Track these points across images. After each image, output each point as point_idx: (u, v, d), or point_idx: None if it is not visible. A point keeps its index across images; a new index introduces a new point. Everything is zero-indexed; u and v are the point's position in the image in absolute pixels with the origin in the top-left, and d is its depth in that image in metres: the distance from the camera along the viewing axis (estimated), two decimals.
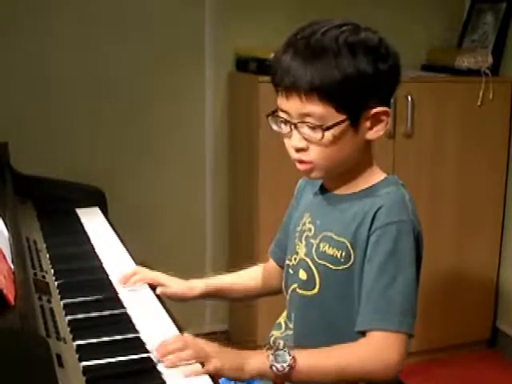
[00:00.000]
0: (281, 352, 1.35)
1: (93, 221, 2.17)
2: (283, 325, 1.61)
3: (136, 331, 1.42)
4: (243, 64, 3.04)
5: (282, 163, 2.84)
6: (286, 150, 2.92)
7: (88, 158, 2.95)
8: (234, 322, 3.30)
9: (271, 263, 1.77)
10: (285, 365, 1.34)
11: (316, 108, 1.37)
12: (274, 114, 1.47)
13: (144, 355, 1.32)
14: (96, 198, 2.30)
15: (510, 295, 3.24)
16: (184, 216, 3.18)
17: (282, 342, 1.38)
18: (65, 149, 2.92)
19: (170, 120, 3.08)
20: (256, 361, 1.35)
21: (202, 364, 1.30)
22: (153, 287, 1.67)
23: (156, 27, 2.98)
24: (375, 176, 1.50)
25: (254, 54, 2.94)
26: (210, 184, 3.20)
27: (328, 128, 1.38)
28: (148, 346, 1.35)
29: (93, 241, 1.98)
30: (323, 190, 1.56)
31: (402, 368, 1.38)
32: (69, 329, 1.40)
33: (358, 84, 1.37)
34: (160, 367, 1.27)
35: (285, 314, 1.63)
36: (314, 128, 1.39)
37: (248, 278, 1.78)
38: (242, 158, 3.08)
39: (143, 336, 1.40)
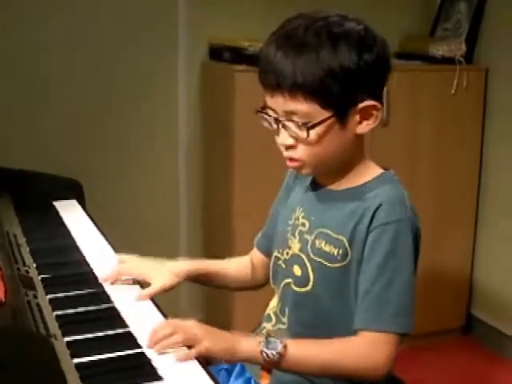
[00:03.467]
0: (272, 339, 1.35)
1: (72, 214, 2.12)
2: (273, 317, 1.59)
3: (126, 325, 1.39)
4: (217, 53, 3.01)
5: (259, 155, 2.85)
6: (264, 143, 2.91)
7: (61, 151, 2.91)
8: (209, 311, 3.27)
9: (256, 254, 1.74)
10: (275, 352, 1.34)
11: (300, 106, 1.35)
12: (262, 110, 1.44)
13: (137, 350, 1.29)
14: (73, 191, 2.26)
15: (484, 283, 3.27)
16: (157, 209, 3.14)
17: (275, 330, 1.40)
18: (41, 142, 2.87)
19: (143, 113, 3.04)
20: (247, 345, 1.36)
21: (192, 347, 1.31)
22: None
23: (128, 16, 2.94)
24: (371, 171, 1.48)
25: (229, 43, 2.91)
26: (184, 179, 3.17)
27: (313, 126, 1.36)
28: (140, 341, 1.33)
29: (73, 234, 1.95)
30: (315, 184, 1.54)
31: (392, 368, 1.40)
32: (58, 325, 1.37)
33: (341, 79, 1.34)
34: (155, 362, 1.25)
35: (274, 305, 1.61)
36: (299, 126, 1.37)
37: (237, 266, 1.75)
38: (217, 151, 3.05)
39: (133, 330, 1.37)
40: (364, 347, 1.38)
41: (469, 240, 3.27)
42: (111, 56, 2.94)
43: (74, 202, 2.24)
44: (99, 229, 2.01)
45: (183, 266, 1.65)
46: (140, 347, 1.30)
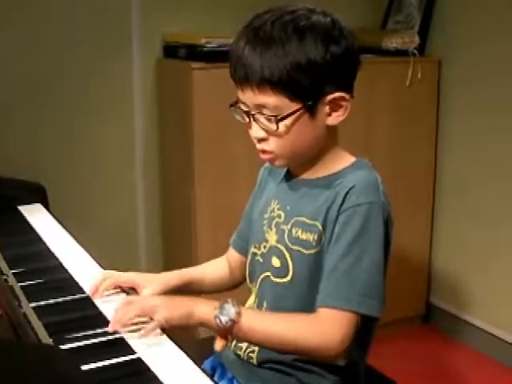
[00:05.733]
0: (228, 305, 1.35)
1: (38, 218, 2.09)
2: None
3: (117, 332, 1.36)
4: (171, 50, 2.97)
5: (219, 154, 2.83)
6: (223, 141, 2.89)
7: (17, 154, 2.84)
8: None
9: (233, 254, 1.73)
10: (227, 319, 1.34)
11: (269, 99, 1.37)
12: (235, 104, 1.45)
13: (134, 356, 1.27)
14: (37, 195, 2.21)
15: (442, 271, 3.32)
16: (114, 210, 3.09)
17: (231, 298, 1.37)
18: None
19: (98, 112, 2.99)
20: (202, 309, 1.36)
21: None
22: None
23: (81, 13, 2.88)
24: (344, 160, 1.49)
25: (184, 40, 2.88)
26: (141, 181, 3.12)
27: (282, 119, 1.38)
28: (134, 347, 1.30)
29: (44, 239, 1.91)
30: (289, 175, 1.54)
31: (346, 349, 1.36)
32: (47, 334, 1.33)
33: (308, 72, 1.35)
34: (154, 368, 1.23)
35: (250, 302, 1.60)
36: (269, 119, 1.39)
37: (216, 269, 1.74)
38: (175, 150, 3.01)
39: (126, 336, 1.34)
40: (321, 325, 1.36)
41: (427, 225, 3.32)
42: (64, 55, 2.87)
43: (39, 205, 2.20)
44: (70, 232, 1.97)
45: (171, 276, 1.64)
46: (135, 353, 1.28)
